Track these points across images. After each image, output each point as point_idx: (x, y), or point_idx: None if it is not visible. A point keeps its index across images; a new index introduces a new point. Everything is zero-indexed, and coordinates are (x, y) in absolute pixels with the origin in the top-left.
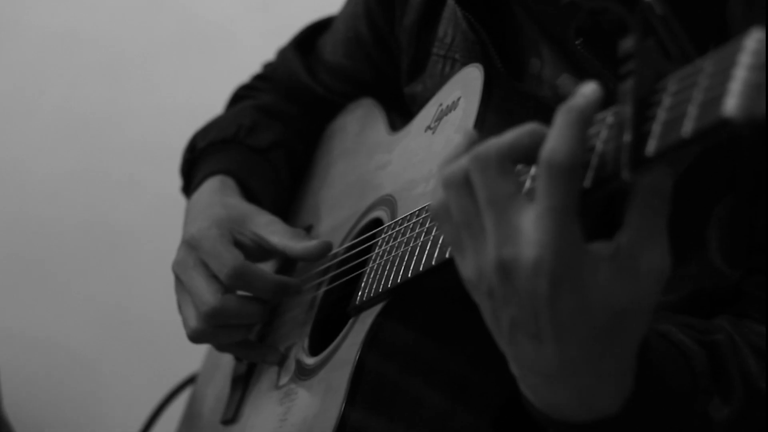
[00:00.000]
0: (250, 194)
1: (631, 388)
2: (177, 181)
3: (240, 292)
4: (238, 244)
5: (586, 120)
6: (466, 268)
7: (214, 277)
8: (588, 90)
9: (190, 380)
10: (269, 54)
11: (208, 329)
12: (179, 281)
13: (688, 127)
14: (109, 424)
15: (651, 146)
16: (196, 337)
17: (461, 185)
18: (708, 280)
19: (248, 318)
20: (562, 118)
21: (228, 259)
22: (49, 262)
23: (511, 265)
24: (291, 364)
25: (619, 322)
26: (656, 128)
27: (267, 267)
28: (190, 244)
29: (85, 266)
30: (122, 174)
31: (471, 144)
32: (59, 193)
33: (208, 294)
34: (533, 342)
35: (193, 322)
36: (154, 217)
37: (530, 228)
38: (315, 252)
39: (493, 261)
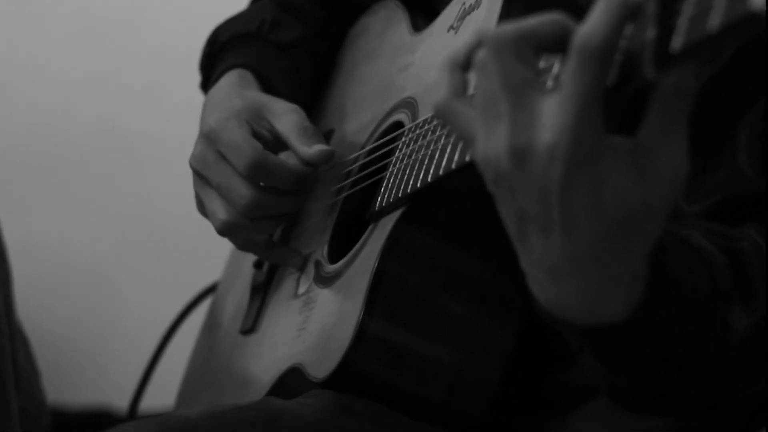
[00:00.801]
0: (270, 90)
1: (642, 295)
2: (195, 89)
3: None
4: (255, 135)
5: (627, 7)
6: (478, 156)
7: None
8: None
9: (211, 289)
10: None
11: (242, 221)
12: (199, 176)
13: (714, 22)
14: (129, 335)
15: (676, 42)
16: (226, 230)
17: (472, 69)
18: (736, 188)
19: (281, 207)
20: (603, 2)
21: (247, 150)
22: (65, 170)
23: (526, 150)
24: (310, 271)
25: (631, 223)
26: (682, 23)
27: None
28: (208, 137)
29: (101, 175)
30: (140, 80)
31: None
32: (75, 100)
33: (242, 186)
34: (542, 234)
35: (223, 215)
36: (172, 125)
37: (550, 113)
38: (314, 159)
39: (507, 146)
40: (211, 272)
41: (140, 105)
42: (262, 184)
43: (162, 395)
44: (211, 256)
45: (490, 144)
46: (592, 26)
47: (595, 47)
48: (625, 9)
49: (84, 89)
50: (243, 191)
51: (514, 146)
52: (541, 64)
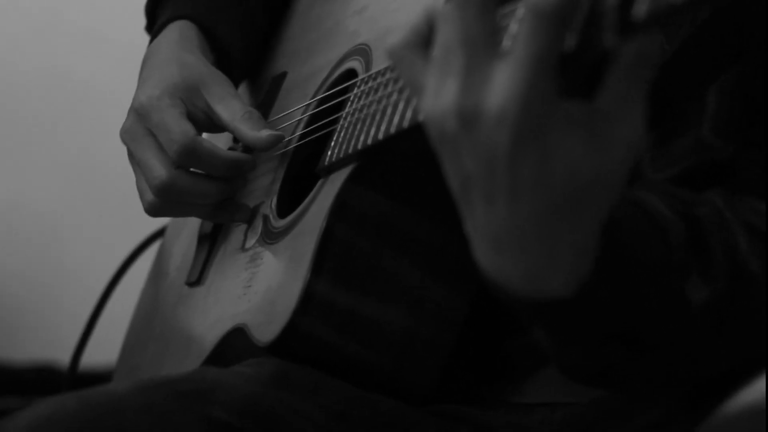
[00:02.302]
0: (216, 43)
1: (590, 269)
2: (145, 33)
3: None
4: (189, 114)
5: None
6: (424, 111)
7: (164, 149)
8: None
9: (157, 235)
10: None
11: (164, 204)
12: (129, 151)
13: None
14: (76, 280)
15: (639, 10)
16: (152, 211)
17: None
18: (702, 155)
19: (203, 197)
20: None
21: (177, 134)
22: (7, 117)
23: (474, 113)
24: (258, 225)
25: (581, 196)
26: None
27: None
28: (139, 113)
29: (46, 121)
30: (88, 24)
31: None
32: (20, 45)
33: (158, 166)
34: (485, 202)
35: (149, 196)
36: (119, 69)
37: (501, 77)
38: (263, 144)
39: (455, 106)
40: (157, 221)
41: (86, 48)
42: (192, 169)
43: (108, 350)
44: None
45: (438, 101)
46: None
47: (550, 10)
48: None
49: (29, 35)
50: (156, 171)
51: (462, 107)
52: (503, 21)
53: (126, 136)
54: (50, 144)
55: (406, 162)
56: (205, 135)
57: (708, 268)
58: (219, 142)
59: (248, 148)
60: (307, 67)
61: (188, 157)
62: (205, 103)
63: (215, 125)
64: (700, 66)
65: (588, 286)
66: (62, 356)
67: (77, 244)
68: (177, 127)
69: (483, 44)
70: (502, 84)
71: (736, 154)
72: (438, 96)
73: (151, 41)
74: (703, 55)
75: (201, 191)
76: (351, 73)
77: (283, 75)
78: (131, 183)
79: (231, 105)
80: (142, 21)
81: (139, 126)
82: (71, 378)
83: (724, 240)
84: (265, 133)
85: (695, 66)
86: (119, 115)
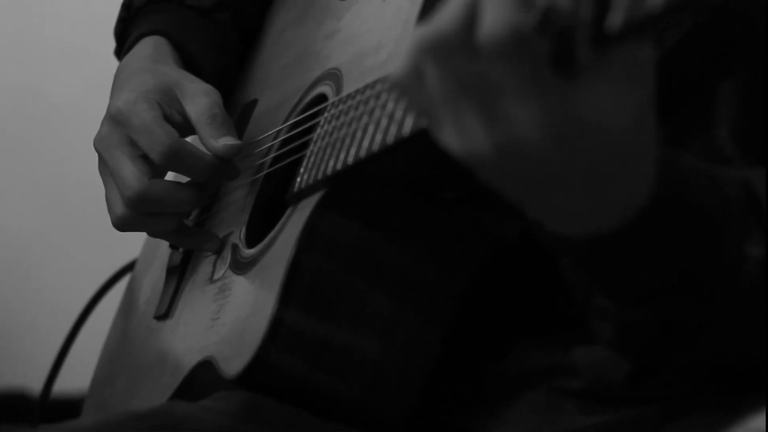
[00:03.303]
0: (188, 60)
1: (640, 205)
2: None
3: (170, 177)
4: (167, 118)
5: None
6: (456, 150)
7: (142, 157)
8: None
9: (128, 268)
10: None
11: (135, 216)
12: (103, 160)
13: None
14: (50, 306)
15: (614, 21)
16: (121, 225)
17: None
18: (715, 162)
19: (178, 206)
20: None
21: (161, 136)
22: None
23: (509, 144)
24: (227, 255)
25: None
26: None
27: None
28: (116, 119)
29: (20, 142)
30: (60, 46)
31: None
32: None
33: (132, 177)
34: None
35: (119, 208)
36: (92, 94)
37: (517, 109)
38: (219, 153)
39: (490, 148)
40: (133, 248)
41: (60, 68)
42: (169, 177)
43: (81, 377)
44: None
45: (468, 140)
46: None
47: (500, 40)
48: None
49: (2, 52)
50: (129, 182)
51: (497, 145)
52: None
53: (101, 144)
54: (24, 166)
55: (376, 187)
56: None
57: (765, 229)
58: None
59: None
60: (278, 94)
61: (172, 160)
62: (180, 103)
63: (190, 127)
64: (701, 61)
65: (642, 221)
66: (34, 383)
67: (51, 270)
68: (160, 129)
69: (488, 84)
70: (521, 115)
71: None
72: (464, 133)
73: (121, 59)
74: (702, 51)
75: (176, 199)
76: (322, 98)
77: (254, 102)
78: (105, 212)
79: (198, 103)
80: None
81: (116, 133)
82: (43, 405)
83: None
84: (222, 142)
85: (696, 61)
86: (89, 139)
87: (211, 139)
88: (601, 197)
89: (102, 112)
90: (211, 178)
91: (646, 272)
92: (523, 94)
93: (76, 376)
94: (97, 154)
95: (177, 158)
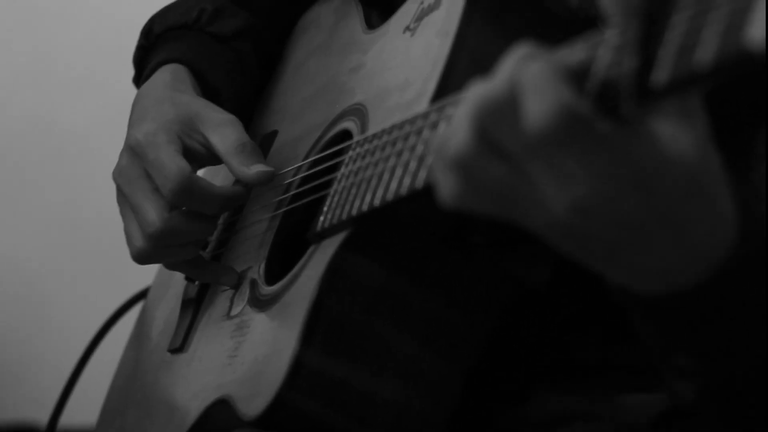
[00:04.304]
0: (207, 88)
1: (722, 258)
2: (132, 84)
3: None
4: (187, 150)
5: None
6: (538, 228)
7: (158, 190)
8: None
9: (140, 297)
10: None
11: (155, 250)
12: (121, 192)
13: (705, 56)
14: (58, 338)
15: (660, 76)
16: (141, 259)
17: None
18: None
19: (197, 235)
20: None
21: (172, 172)
22: None
23: (582, 205)
24: (245, 291)
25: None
26: (666, 54)
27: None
28: (134, 151)
29: (31, 173)
30: (73, 75)
31: None
32: (5, 94)
33: (153, 212)
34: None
35: (139, 242)
36: (106, 122)
37: (572, 165)
38: (252, 180)
39: (565, 214)
40: (144, 277)
41: (72, 97)
42: (184, 208)
43: (89, 409)
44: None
45: (547, 211)
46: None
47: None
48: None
49: (15, 83)
50: (150, 217)
51: (573, 206)
52: None
53: (120, 177)
54: (35, 196)
55: (402, 229)
56: (203, 171)
57: None
58: (220, 173)
59: None
60: (299, 126)
61: (183, 197)
62: (202, 134)
63: (215, 157)
64: (738, 106)
65: (729, 271)
66: (42, 415)
67: (60, 301)
68: (173, 165)
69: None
70: (588, 173)
71: None
72: (541, 206)
73: (140, 86)
74: (738, 96)
75: (196, 230)
76: (345, 134)
77: (274, 133)
78: (118, 237)
79: (225, 134)
80: (131, 70)
81: (134, 166)
82: None
83: None
84: (254, 169)
85: (733, 106)
86: (106, 167)
87: (243, 168)
88: (686, 244)
89: (114, 142)
90: (222, 210)
91: (734, 324)
92: (582, 154)
93: (84, 409)
94: (108, 185)
95: (187, 194)
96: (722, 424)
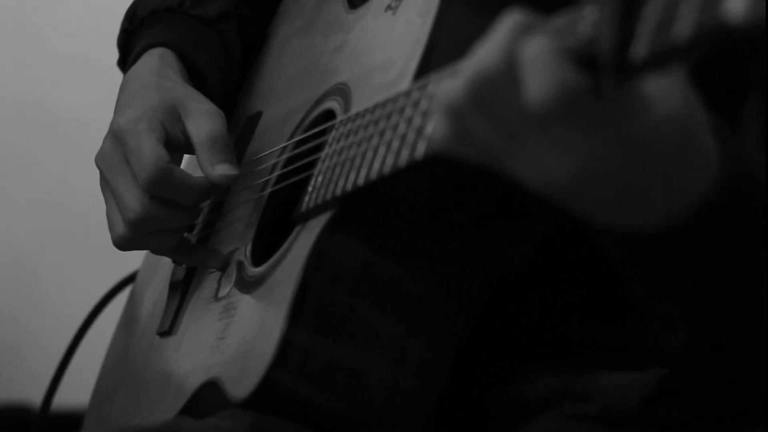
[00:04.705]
0: (195, 72)
1: (716, 174)
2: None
3: None
4: (170, 139)
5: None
6: (534, 186)
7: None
8: None
9: (129, 280)
10: None
11: (135, 237)
12: (104, 178)
13: (684, 30)
14: (51, 319)
15: (640, 50)
16: (122, 244)
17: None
18: None
19: (177, 222)
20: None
21: (149, 161)
22: None
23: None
24: (232, 273)
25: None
26: (645, 28)
27: None
28: (117, 137)
29: (22, 153)
30: (64, 56)
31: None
32: None
33: (132, 199)
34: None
35: (120, 228)
36: (97, 103)
37: (567, 131)
38: (214, 181)
39: (569, 179)
40: (134, 261)
41: (63, 78)
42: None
43: (82, 390)
44: None
45: (544, 173)
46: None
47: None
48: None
49: (5, 65)
50: (130, 203)
51: (576, 173)
52: None
53: (102, 162)
54: (24, 177)
55: (386, 209)
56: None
57: None
58: None
59: None
60: (283, 107)
61: (158, 186)
62: (183, 123)
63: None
64: (722, 76)
65: (712, 205)
66: (35, 396)
67: (52, 282)
68: (150, 154)
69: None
70: (576, 144)
71: None
72: (538, 168)
73: (126, 70)
74: (723, 67)
75: (174, 219)
76: (329, 114)
77: (258, 115)
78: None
79: (200, 125)
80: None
81: (116, 152)
82: (43, 418)
83: None
84: (217, 171)
85: (717, 76)
86: (96, 148)
87: (209, 165)
88: (676, 187)
89: (104, 124)
90: (200, 201)
91: (717, 265)
92: (580, 127)
93: (77, 389)
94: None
95: (162, 184)
96: (708, 378)
